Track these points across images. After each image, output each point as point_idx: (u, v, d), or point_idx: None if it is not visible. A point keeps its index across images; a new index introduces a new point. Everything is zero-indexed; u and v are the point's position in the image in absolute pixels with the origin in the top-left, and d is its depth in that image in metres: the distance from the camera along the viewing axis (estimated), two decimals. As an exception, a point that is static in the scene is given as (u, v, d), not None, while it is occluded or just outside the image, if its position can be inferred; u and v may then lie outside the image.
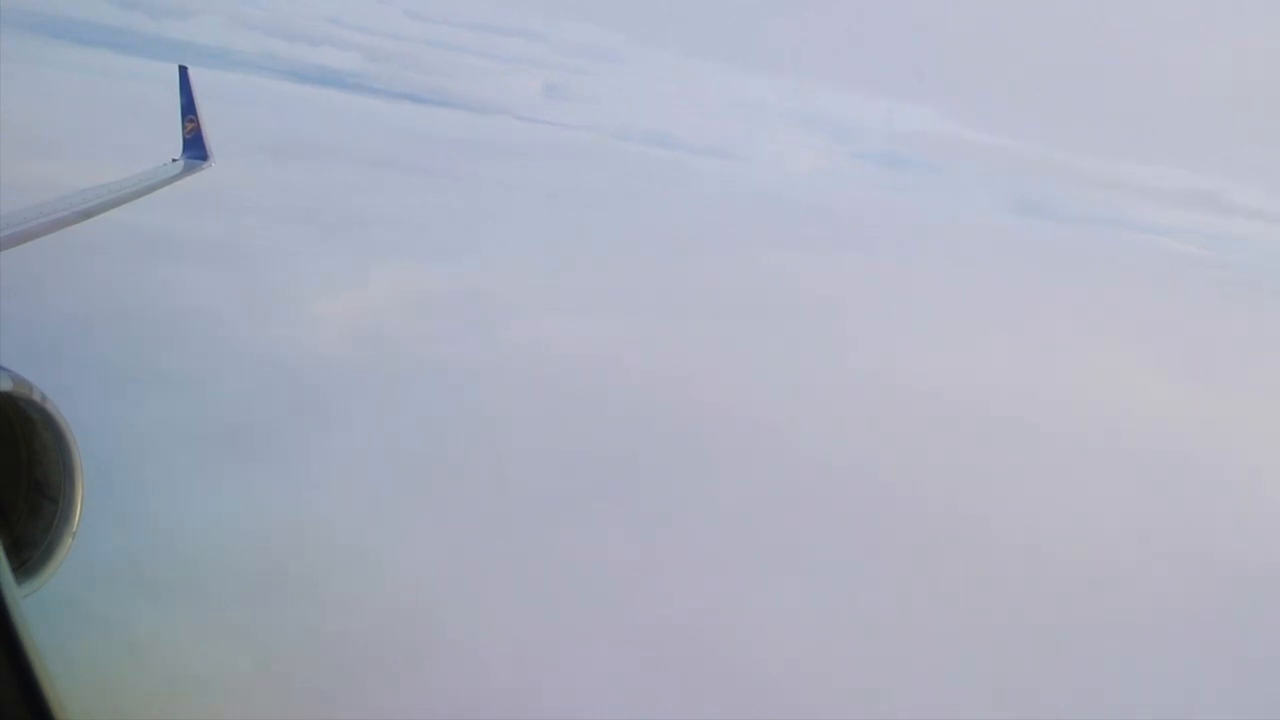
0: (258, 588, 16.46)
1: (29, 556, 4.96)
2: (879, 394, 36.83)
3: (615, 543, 21.06)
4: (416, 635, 16.34)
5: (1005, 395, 40.44)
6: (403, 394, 27.85)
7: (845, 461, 28.58)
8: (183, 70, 16.03)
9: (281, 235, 44.09)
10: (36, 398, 5.00)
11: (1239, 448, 40.44)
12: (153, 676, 14.10)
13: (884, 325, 52.01)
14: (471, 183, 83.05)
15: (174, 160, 15.21)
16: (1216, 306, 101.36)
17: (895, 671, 18.44)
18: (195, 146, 15.60)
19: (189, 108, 15.79)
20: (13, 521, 5.02)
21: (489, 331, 36.61)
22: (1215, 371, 57.79)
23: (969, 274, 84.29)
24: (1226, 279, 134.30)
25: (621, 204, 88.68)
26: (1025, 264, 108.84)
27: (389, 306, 37.68)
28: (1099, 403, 42.63)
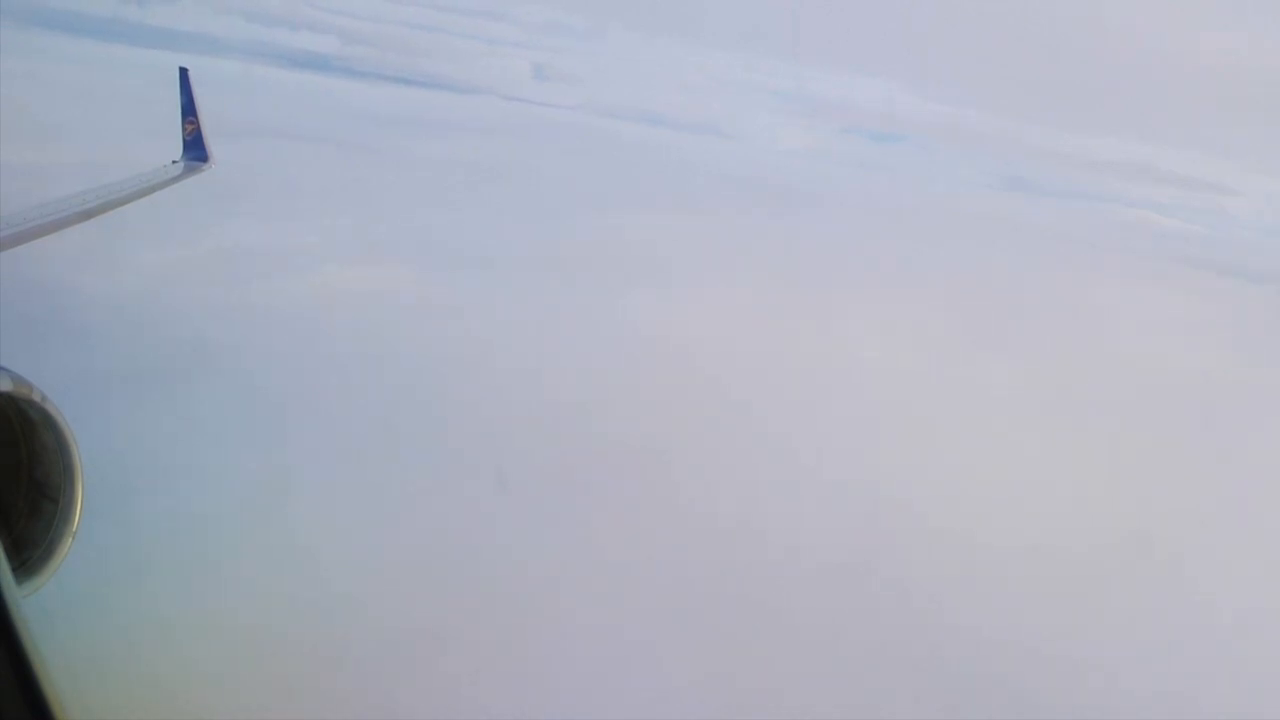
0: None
1: (29, 556, 4.96)
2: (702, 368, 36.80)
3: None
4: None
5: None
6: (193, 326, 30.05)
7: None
8: (183, 72, 16.02)
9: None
10: (36, 398, 5.00)
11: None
12: (154, 675, 14.13)
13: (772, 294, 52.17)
14: (399, 157, 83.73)
15: (174, 161, 15.22)
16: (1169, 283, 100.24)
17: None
18: (195, 147, 15.60)
19: (189, 108, 15.78)
20: (13, 521, 5.02)
21: (285, 280, 39.19)
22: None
23: (916, 247, 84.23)
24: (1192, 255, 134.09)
25: (552, 177, 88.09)
26: (1000, 240, 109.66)
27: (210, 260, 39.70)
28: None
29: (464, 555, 20.57)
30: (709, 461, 28.27)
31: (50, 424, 5.11)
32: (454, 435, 26.73)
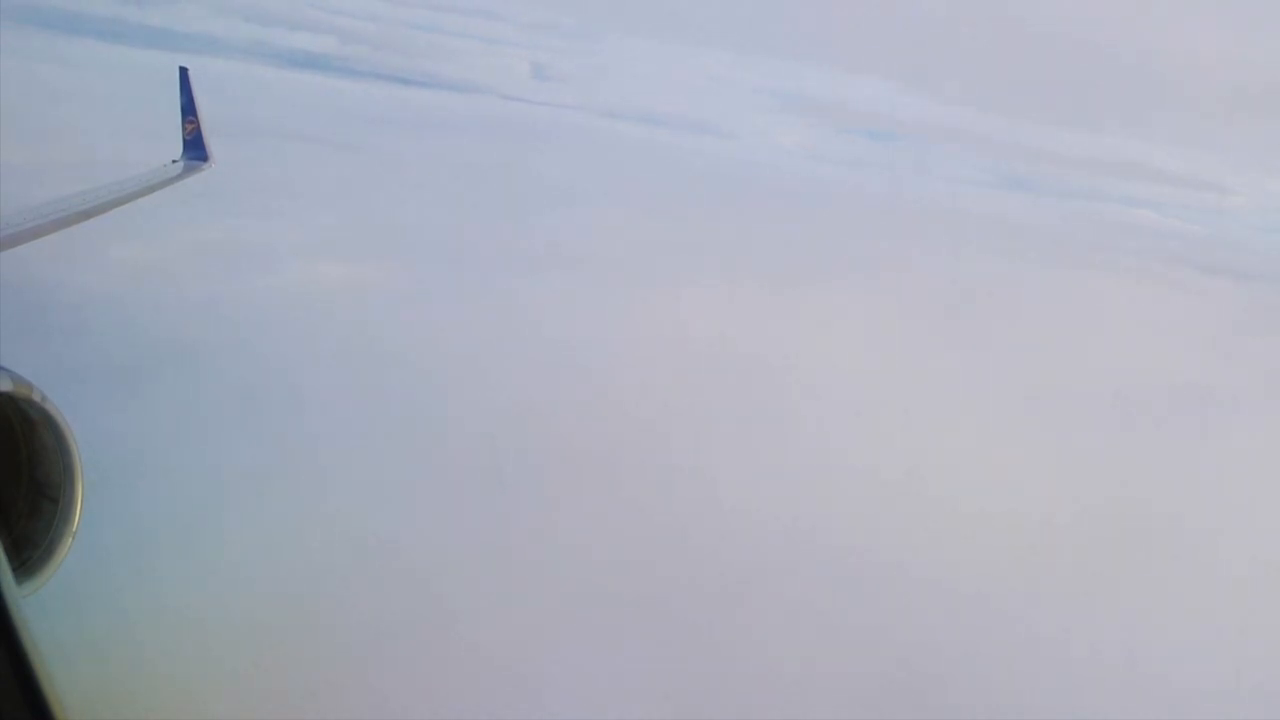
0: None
1: (29, 556, 4.95)
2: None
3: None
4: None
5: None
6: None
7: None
8: (183, 71, 15.98)
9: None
10: (36, 398, 5.00)
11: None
12: (153, 675, 14.13)
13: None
14: (399, 157, 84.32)
15: (174, 161, 15.19)
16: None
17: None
18: (195, 147, 15.57)
19: (189, 108, 15.75)
20: (13, 521, 5.01)
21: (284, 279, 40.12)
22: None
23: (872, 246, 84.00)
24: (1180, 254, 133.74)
25: (551, 176, 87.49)
26: (998, 239, 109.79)
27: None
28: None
29: (460, 552, 20.61)
30: (704, 461, 28.33)
31: (50, 424, 5.10)
32: (446, 431, 26.81)
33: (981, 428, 36.84)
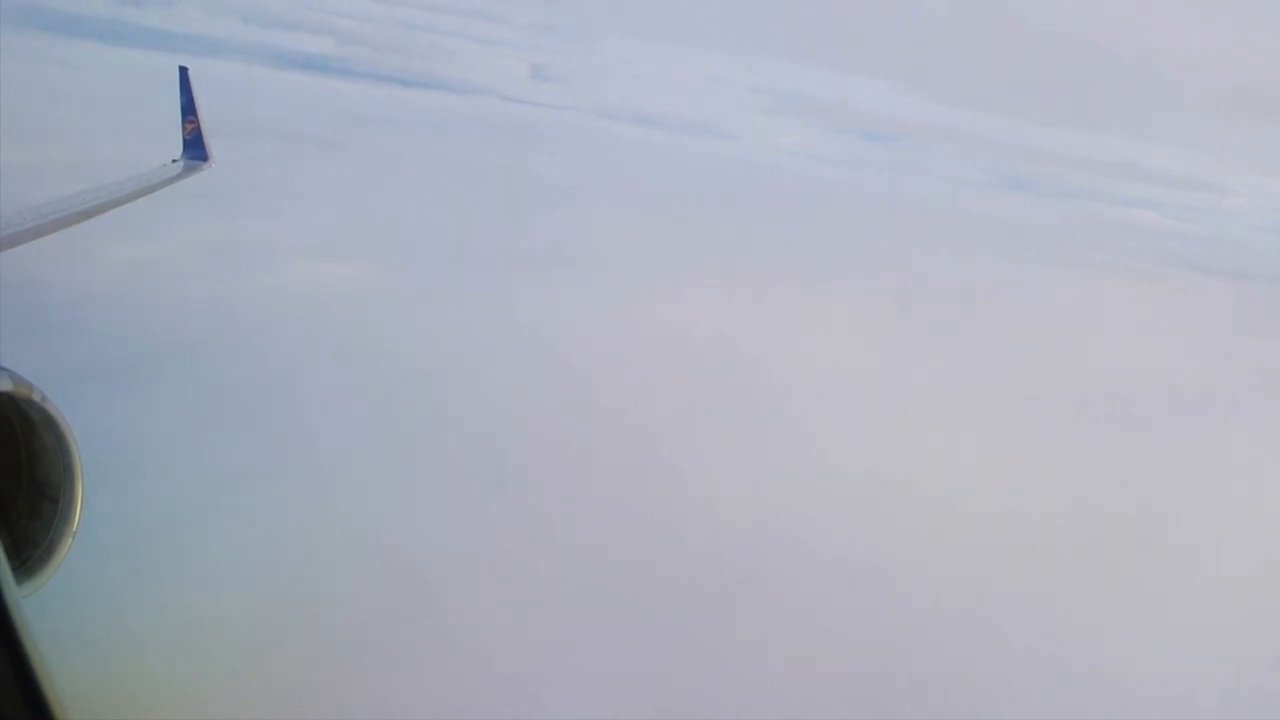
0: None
1: (29, 556, 4.96)
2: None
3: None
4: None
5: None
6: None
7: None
8: (183, 71, 15.99)
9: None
10: (36, 398, 5.00)
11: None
12: (154, 675, 14.13)
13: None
14: (398, 157, 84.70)
15: (174, 161, 15.20)
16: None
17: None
18: (195, 147, 15.58)
19: (189, 108, 15.76)
20: (13, 521, 5.02)
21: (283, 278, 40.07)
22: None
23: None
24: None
25: (550, 177, 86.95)
26: (996, 239, 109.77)
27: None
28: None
29: (460, 551, 20.62)
30: (703, 460, 28.30)
31: (50, 424, 5.10)
32: (445, 431, 26.82)
33: (981, 428, 36.83)
